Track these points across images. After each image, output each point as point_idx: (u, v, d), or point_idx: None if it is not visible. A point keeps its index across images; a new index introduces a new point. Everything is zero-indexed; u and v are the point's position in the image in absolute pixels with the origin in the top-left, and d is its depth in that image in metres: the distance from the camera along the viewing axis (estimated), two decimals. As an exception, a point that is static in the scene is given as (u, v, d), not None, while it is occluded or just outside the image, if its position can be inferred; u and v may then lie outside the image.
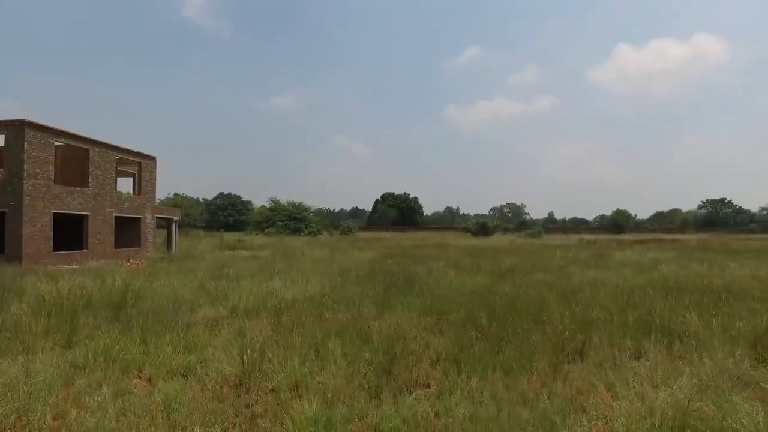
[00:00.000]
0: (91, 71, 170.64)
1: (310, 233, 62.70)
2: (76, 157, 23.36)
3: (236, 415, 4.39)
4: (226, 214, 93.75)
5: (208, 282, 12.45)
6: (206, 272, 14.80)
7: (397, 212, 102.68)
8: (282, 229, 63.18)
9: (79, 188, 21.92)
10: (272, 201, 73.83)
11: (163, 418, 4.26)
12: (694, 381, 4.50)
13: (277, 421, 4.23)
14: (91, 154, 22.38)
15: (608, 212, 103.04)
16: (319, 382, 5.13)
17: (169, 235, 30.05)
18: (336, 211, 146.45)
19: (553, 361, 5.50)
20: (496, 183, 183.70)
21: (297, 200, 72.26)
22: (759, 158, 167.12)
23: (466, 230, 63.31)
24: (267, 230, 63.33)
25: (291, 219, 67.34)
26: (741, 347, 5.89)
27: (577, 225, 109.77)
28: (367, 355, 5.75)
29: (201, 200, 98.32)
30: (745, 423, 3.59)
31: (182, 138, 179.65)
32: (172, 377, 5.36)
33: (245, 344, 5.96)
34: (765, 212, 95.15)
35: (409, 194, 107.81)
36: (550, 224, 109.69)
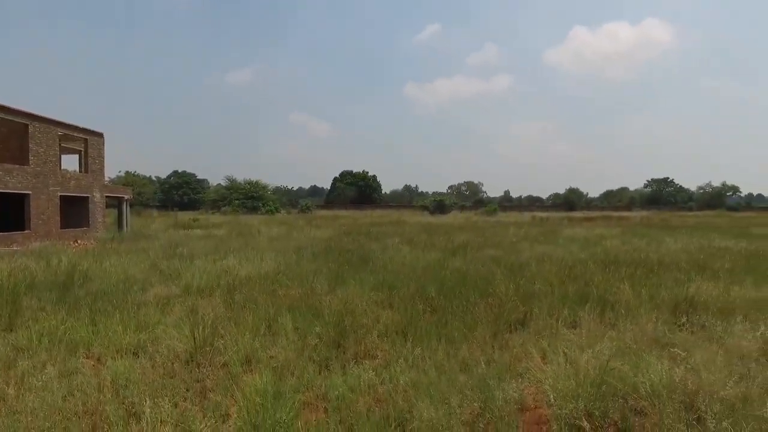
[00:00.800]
0: (29, 38, 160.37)
1: (267, 211, 61.96)
2: (14, 134, 22.12)
3: (187, 390, 4.48)
4: (181, 193, 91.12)
5: (160, 261, 12.26)
6: (159, 252, 14.53)
7: (356, 190, 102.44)
8: (239, 207, 62.14)
9: (18, 166, 20.83)
10: (228, 179, 72.37)
11: (112, 394, 4.31)
12: (615, 344, 4.91)
13: (228, 394, 4.36)
14: (30, 130, 21.23)
15: (562, 190, 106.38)
16: (270, 356, 5.27)
17: (120, 214, 29.08)
18: (294, 189, 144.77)
19: (494, 331, 5.84)
20: (454, 161, 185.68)
21: (254, 178, 71.08)
22: (700, 139, 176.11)
23: (424, 208, 64.09)
24: (223, 209, 62.16)
25: (248, 197, 66.26)
26: (663, 313, 6.41)
27: (531, 203, 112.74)
28: (317, 329, 5.92)
29: (154, 179, 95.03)
30: (653, 377, 3.99)
31: (134, 114, 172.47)
32: (121, 356, 5.36)
33: (197, 321, 6.01)
34: (702, 191, 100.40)
35: (367, 172, 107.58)
36: (506, 202, 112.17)
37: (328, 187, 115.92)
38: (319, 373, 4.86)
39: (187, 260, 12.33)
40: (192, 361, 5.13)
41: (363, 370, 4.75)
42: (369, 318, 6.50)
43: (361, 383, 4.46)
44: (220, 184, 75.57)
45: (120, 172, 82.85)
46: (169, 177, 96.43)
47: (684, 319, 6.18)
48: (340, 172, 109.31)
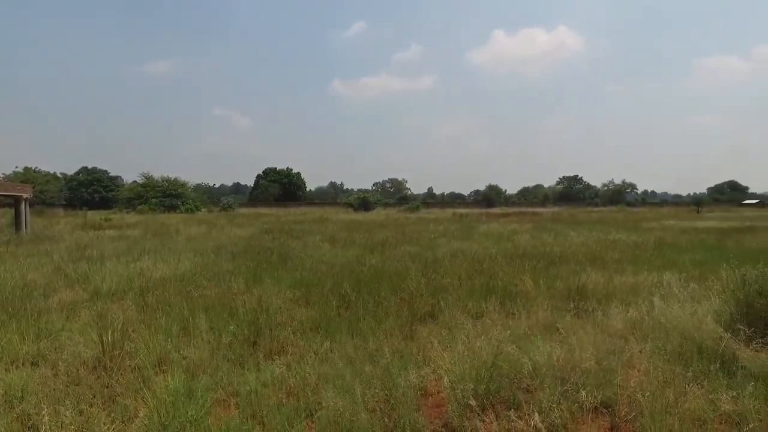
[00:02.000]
0: None
1: (187, 210, 59.43)
2: None
3: (93, 396, 4.40)
4: (91, 191, 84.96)
5: (66, 265, 11.56)
6: (64, 254, 13.66)
7: (280, 188, 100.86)
8: (156, 206, 59.03)
9: None
10: (144, 176, 68.40)
11: (4, 409, 4.11)
12: (510, 331, 5.42)
13: (138, 396, 4.35)
14: None
15: (482, 187, 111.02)
16: (183, 357, 5.28)
17: (17, 215, 26.75)
18: (216, 186, 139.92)
19: (403, 324, 6.21)
20: (380, 158, 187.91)
21: (172, 175, 67.81)
22: (605, 140, 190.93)
23: (348, 205, 64.32)
24: (139, 208, 58.76)
25: (166, 195, 63.14)
26: (557, 301, 7.10)
27: (454, 199, 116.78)
28: (232, 328, 5.99)
29: (59, 175, 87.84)
30: (537, 358, 4.50)
31: (35, 105, 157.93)
32: (17, 367, 5.09)
33: (106, 326, 5.85)
34: (605, 188, 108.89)
35: (291, 169, 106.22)
36: (430, 199, 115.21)
37: (251, 185, 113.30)
38: (233, 371, 4.95)
39: (96, 263, 11.73)
40: (100, 366, 5.03)
41: (276, 366, 4.91)
42: (284, 315, 6.65)
43: (274, 378, 4.63)
44: (135, 181, 71.21)
45: (17, 167, 75.96)
46: (77, 173, 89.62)
47: (572, 305, 6.87)
48: (264, 169, 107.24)
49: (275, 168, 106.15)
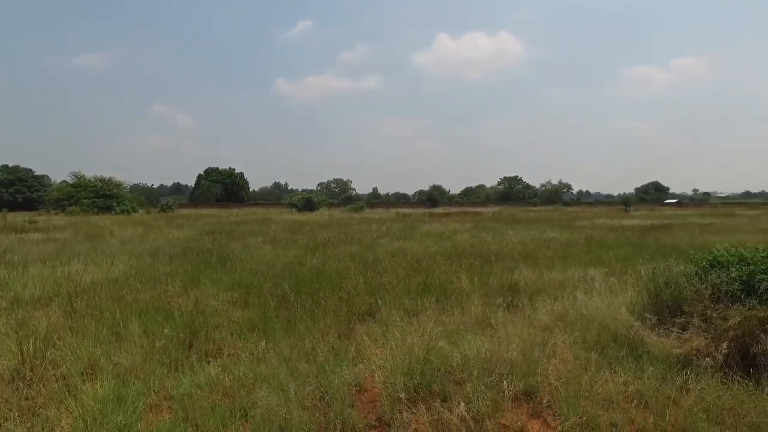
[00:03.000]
0: None
1: (123, 211, 56.60)
2: None
3: (10, 410, 4.17)
4: (13, 191, 79.29)
5: (-21, 271, 10.79)
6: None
7: (222, 188, 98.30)
8: (88, 207, 55.77)
9: None
10: (75, 176, 64.45)
11: None
12: (443, 328, 5.66)
13: (62, 407, 4.19)
14: None
15: (426, 187, 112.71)
16: (115, 363, 5.13)
17: (-73, 217, 24.64)
18: (155, 187, 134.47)
19: (341, 323, 6.31)
20: (325, 158, 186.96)
21: (107, 175, 64.43)
22: (544, 141, 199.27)
23: (292, 206, 63.40)
24: (69, 209, 55.38)
25: (99, 196, 59.84)
26: (491, 298, 7.41)
27: (398, 200, 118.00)
28: (166, 331, 5.87)
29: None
30: (468, 352, 4.73)
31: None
32: None
33: (28, 334, 5.57)
34: (544, 188, 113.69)
35: (234, 169, 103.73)
36: (374, 199, 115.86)
37: (192, 185, 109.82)
38: (168, 375, 4.87)
39: (18, 268, 11.03)
40: (18, 377, 4.79)
41: (212, 368, 4.88)
42: (222, 317, 6.59)
43: (209, 380, 4.60)
44: (65, 181, 67.05)
45: None
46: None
47: (501, 300, 7.20)
48: (205, 168, 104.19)
49: (217, 168, 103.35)
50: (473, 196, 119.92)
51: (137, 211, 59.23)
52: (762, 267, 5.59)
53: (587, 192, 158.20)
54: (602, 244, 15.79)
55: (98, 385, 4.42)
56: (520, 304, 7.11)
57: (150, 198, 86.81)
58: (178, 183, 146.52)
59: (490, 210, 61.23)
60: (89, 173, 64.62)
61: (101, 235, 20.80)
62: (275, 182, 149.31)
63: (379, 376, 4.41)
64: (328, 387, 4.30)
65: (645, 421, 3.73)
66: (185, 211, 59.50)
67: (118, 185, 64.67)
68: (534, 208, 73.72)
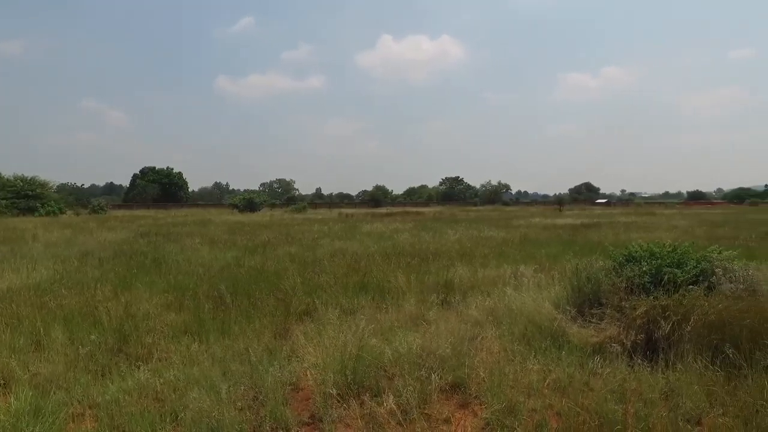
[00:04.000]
0: None
1: (48, 213, 53.07)
2: None
3: None
4: None
5: None
6: None
7: (159, 188, 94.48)
8: (7, 208, 51.96)
9: None
10: (-9, 174, 59.89)
11: None
12: (378, 325, 5.80)
13: (-30, 425, 3.96)
14: None
15: (370, 188, 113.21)
16: (33, 374, 4.89)
17: None
18: (86, 187, 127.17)
19: (277, 323, 6.32)
20: (268, 158, 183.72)
21: (29, 174, 60.13)
22: (484, 143, 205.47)
23: (233, 206, 61.84)
24: (-18, 211, 51.38)
25: (20, 197, 55.83)
26: (426, 295, 7.63)
27: (341, 200, 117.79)
28: (93, 337, 5.66)
29: None
30: (399, 348, 4.89)
31: None
32: None
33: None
34: (484, 188, 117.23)
35: (172, 169, 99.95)
36: (318, 199, 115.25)
37: (127, 185, 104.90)
38: (94, 383, 4.71)
39: None
40: None
41: (141, 373, 4.76)
42: (155, 321, 6.42)
43: (139, 385, 4.49)
44: (-23, 180, 62.04)
45: None
46: None
47: (435, 298, 7.43)
48: (141, 168, 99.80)
49: (154, 167, 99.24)
50: (416, 196, 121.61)
51: (65, 213, 55.74)
52: (668, 261, 6.14)
53: (525, 192, 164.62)
54: (535, 242, 16.54)
55: (12, 398, 4.20)
56: (453, 301, 7.35)
57: (80, 199, 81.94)
58: (111, 183, 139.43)
59: (432, 210, 62.29)
60: (8, 171, 60.25)
61: (22, 239, 19.48)
62: (216, 182, 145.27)
63: (312, 374, 4.47)
64: (262, 387, 4.32)
65: (562, 406, 4.00)
66: (119, 213, 56.68)
67: (43, 185, 60.57)
68: (474, 208, 75.70)
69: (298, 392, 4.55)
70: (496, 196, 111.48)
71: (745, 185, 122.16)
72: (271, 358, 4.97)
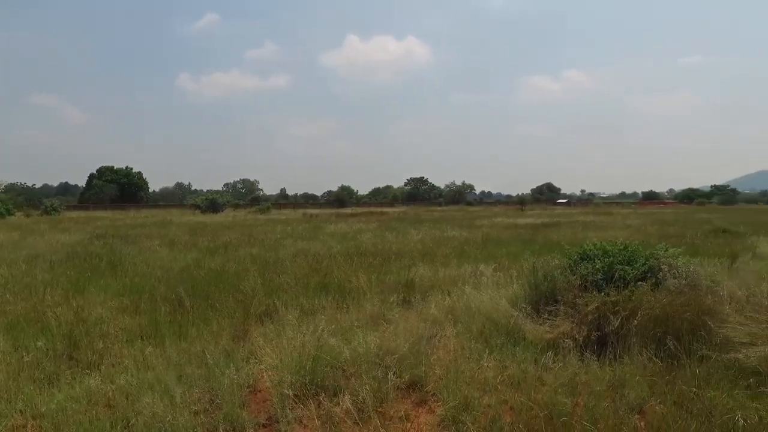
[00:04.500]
0: None
1: (-6, 214, 50.66)
2: None
3: None
4: None
5: None
6: None
7: (117, 188, 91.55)
8: (-54, 210, 49.22)
9: None
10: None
11: None
12: (337, 325, 5.81)
13: None
14: None
15: (335, 188, 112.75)
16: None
17: None
18: (38, 187, 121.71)
19: (235, 324, 6.24)
20: (231, 158, 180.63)
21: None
22: (449, 144, 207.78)
23: (196, 207, 60.42)
24: None
25: (-39, 198, 53.08)
26: (388, 295, 7.68)
27: (307, 200, 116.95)
28: (40, 344, 5.44)
29: None
30: (357, 347, 4.92)
31: None
32: None
33: None
34: (448, 189, 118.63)
35: (131, 168, 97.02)
36: (283, 200, 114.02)
37: (83, 185, 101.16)
38: (40, 391, 4.53)
39: None
40: None
41: (92, 379, 4.62)
42: (109, 325, 6.24)
43: (89, 392, 4.36)
44: None
45: None
46: None
47: (396, 297, 7.50)
48: (98, 167, 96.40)
49: (112, 167, 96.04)
50: (381, 196, 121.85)
51: (13, 214, 53.20)
52: (619, 258, 6.38)
53: (489, 192, 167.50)
54: (497, 241, 16.86)
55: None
56: (414, 300, 7.43)
57: (31, 199, 78.45)
58: (66, 183, 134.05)
59: (396, 210, 62.52)
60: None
61: (-35, 242, 18.54)
62: (178, 182, 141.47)
63: (269, 375, 4.45)
64: (218, 389, 4.26)
65: (516, 401, 4.11)
66: (73, 214, 54.56)
67: (-11, 184, 57.81)
68: (439, 208, 76.41)
69: (255, 394, 4.51)
70: (460, 196, 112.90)
71: (695, 186, 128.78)
72: (228, 360, 4.90)
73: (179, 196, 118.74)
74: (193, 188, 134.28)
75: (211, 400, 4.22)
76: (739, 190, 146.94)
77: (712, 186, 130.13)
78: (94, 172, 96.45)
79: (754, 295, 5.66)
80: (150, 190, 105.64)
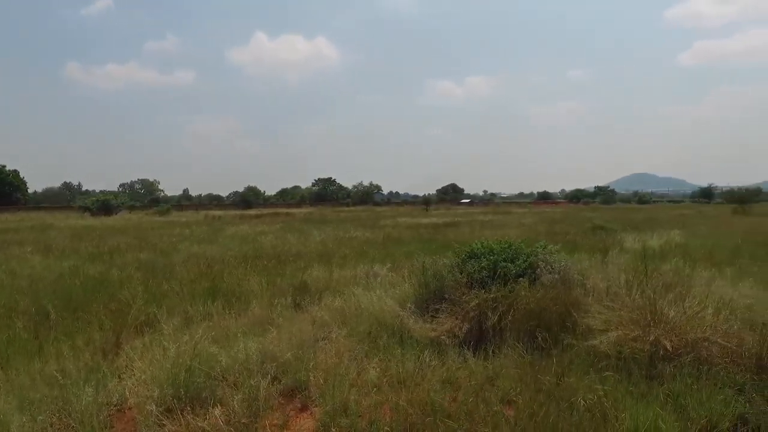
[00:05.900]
0: None
1: None
2: None
3: None
4: None
5: None
6: None
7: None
8: None
9: None
10: None
11: None
12: (218, 331, 5.56)
13: None
14: None
15: (242, 189, 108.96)
16: None
17: None
18: None
19: (105, 337, 5.75)
20: (128, 157, 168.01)
21: None
22: (358, 145, 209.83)
23: (85, 209, 55.30)
24: None
25: None
26: (280, 298, 7.50)
27: (211, 201, 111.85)
28: None
29: None
30: (238, 353, 4.73)
31: None
32: None
33: None
34: (356, 189, 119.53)
35: (5, 166, 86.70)
36: (185, 201, 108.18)
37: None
38: None
39: None
40: None
41: None
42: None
43: None
44: None
45: None
46: None
47: (288, 300, 7.35)
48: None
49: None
50: (289, 197, 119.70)
51: None
52: (503, 256, 6.71)
53: (397, 193, 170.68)
54: (398, 241, 17.17)
55: None
56: (305, 303, 7.31)
57: None
58: None
59: (303, 211, 61.71)
60: None
61: None
62: (65, 182, 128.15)
63: (139, 390, 4.12)
64: (74, 412, 3.86)
65: (399, 399, 4.15)
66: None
67: None
68: (346, 209, 76.54)
69: (123, 413, 4.16)
70: (367, 196, 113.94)
71: (582, 187, 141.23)
72: (91, 378, 4.47)
73: (67, 198, 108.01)
74: (83, 189, 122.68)
75: (67, 425, 3.81)
76: (618, 190, 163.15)
77: (595, 187, 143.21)
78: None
79: (613, 285, 6.20)
80: (30, 191, 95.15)
